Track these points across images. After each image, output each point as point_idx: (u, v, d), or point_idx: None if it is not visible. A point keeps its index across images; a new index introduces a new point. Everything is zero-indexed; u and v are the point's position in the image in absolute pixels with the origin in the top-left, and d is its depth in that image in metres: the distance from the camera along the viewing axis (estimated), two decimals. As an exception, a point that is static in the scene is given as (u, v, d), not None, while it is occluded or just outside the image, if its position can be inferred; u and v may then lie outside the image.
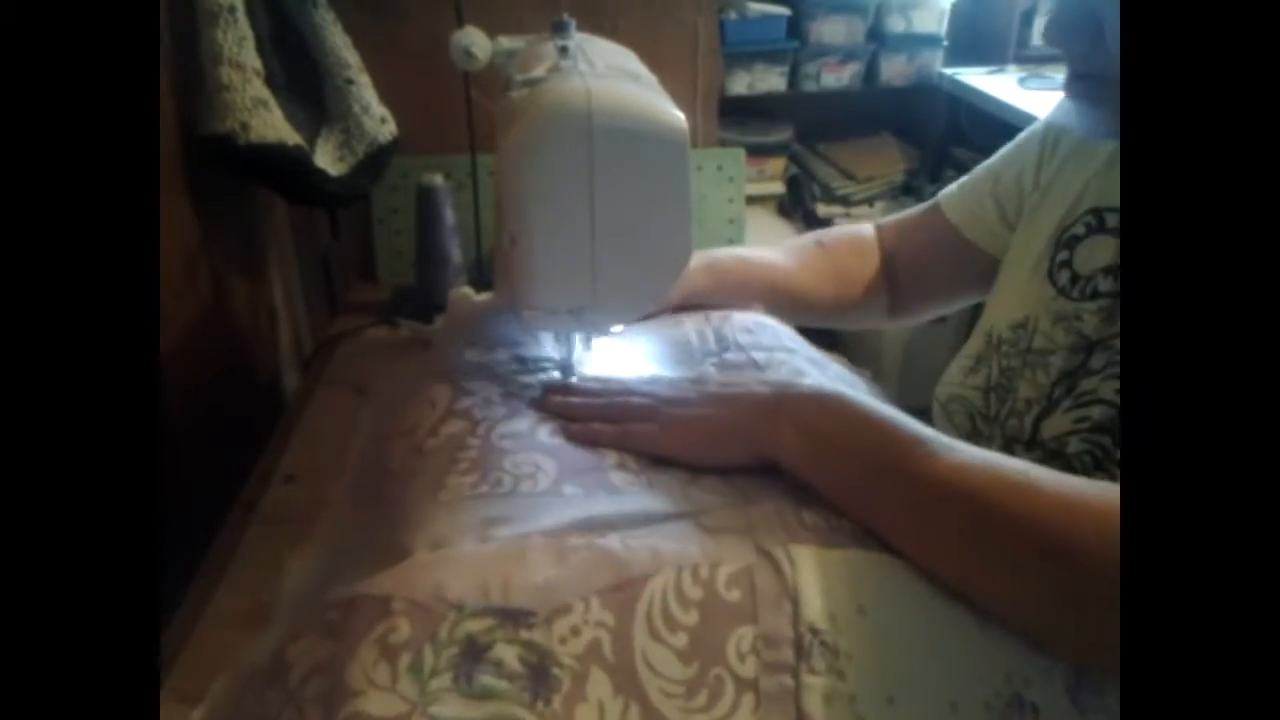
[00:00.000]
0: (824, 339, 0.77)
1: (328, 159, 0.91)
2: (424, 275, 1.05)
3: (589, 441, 0.54)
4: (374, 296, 1.13)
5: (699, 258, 0.83)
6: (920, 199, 1.97)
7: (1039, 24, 1.92)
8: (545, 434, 0.53)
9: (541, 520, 0.45)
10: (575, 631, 0.40)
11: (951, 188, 0.80)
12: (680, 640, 0.40)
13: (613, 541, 0.43)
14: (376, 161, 0.97)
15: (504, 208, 0.58)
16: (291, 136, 0.83)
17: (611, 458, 0.52)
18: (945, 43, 1.90)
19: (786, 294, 0.83)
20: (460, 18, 0.96)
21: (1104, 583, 0.38)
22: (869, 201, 1.96)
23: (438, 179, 1.01)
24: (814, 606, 0.41)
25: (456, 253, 1.04)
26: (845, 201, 1.94)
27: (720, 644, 0.40)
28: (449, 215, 1.02)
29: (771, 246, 0.87)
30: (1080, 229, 0.63)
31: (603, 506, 0.46)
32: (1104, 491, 0.41)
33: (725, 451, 0.52)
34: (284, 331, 1.10)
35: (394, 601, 0.40)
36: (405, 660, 0.39)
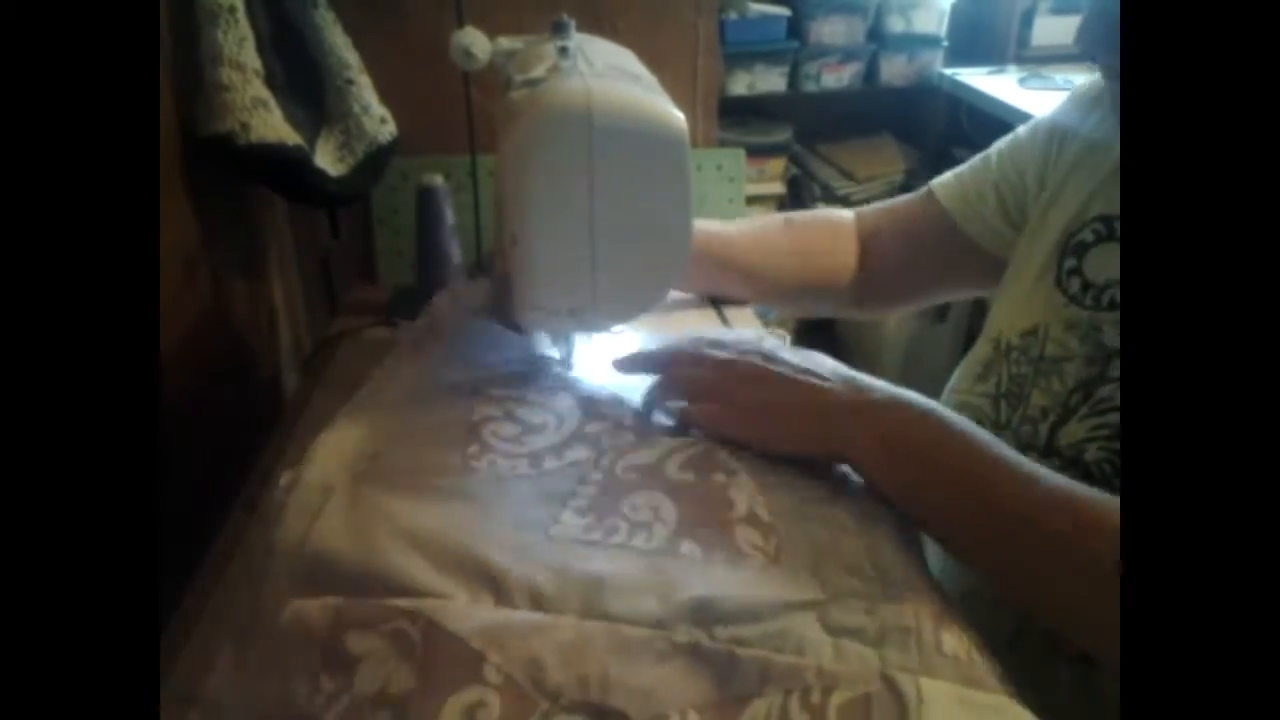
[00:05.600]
0: (825, 338, 0.76)
1: (328, 159, 0.91)
2: (424, 275, 1.05)
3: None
4: (374, 297, 1.12)
5: None
6: (920, 199, 1.98)
7: (1039, 24, 1.92)
8: (675, 467, 0.51)
9: (648, 599, 0.42)
10: None
11: (947, 176, 0.78)
12: None
13: (721, 646, 0.40)
14: (376, 161, 0.96)
15: (504, 208, 0.58)
16: (291, 136, 0.83)
17: (742, 506, 0.48)
18: (945, 43, 1.90)
19: (740, 268, 0.81)
20: (460, 18, 0.96)
21: None
22: (869, 202, 1.96)
23: (438, 179, 1.01)
24: None
25: (456, 253, 1.04)
26: (845, 202, 1.95)
27: None
28: (449, 215, 1.02)
29: (738, 221, 0.84)
30: (1088, 235, 0.62)
31: (719, 582, 0.43)
32: None
33: (788, 441, 0.52)
34: (284, 331, 1.10)
35: (486, 666, 0.38)
36: None
